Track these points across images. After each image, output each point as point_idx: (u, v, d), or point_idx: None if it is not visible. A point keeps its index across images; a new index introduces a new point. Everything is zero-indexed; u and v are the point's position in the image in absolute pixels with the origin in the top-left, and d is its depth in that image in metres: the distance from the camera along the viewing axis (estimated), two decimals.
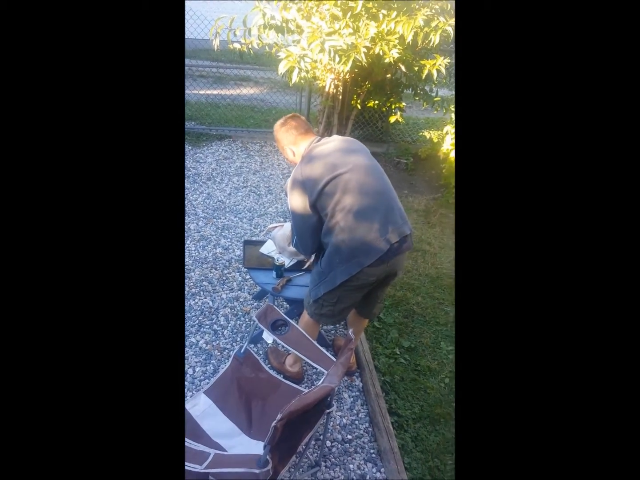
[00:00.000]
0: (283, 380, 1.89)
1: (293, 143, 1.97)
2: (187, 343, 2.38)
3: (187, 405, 1.70)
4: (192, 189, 4.02)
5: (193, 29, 6.01)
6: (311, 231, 1.87)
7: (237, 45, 3.77)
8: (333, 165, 1.79)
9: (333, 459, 1.89)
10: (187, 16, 6.13)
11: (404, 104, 4.65)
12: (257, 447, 1.58)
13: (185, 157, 4.65)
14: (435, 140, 4.54)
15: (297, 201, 1.84)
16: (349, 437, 2.00)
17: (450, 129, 3.95)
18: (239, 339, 2.43)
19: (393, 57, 3.21)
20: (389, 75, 4.04)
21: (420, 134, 5.35)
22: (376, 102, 4.46)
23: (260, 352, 2.36)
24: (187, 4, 6.64)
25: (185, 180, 4.15)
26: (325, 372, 1.64)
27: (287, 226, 2.36)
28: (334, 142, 1.91)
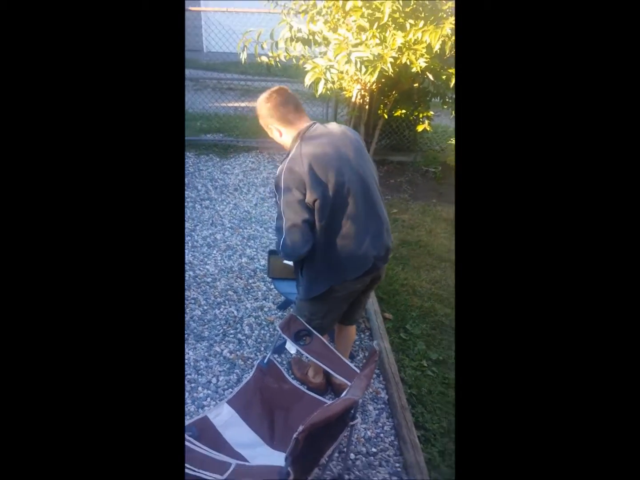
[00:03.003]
0: (306, 391, 1.87)
1: (279, 122, 1.72)
2: (211, 352, 2.38)
3: (210, 415, 1.70)
4: (220, 199, 4.07)
5: (222, 43, 6.13)
6: (305, 229, 1.64)
7: (264, 58, 3.82)
8: (337, 168, 1.64)
9: (357, 472, 1.85)
10: (215, 30, 6.28)
11: (431, 112, 4.62)
12: (279, 459, 1.55)
13: (214, 168, 4.73)
14: None
15: (294, 195, 1.62)
16: (374, 450, 1.95)
17: None
18: (262, 349, 2.43)
19: (420, 67, 3.19)
20: (416, 85, 4.01)
21: (449, 142, 5.29)
22: (403, 111, 4.45)
23: (284, 362, 2.35)
24: (215, 17, 6.80)
25: (213, 191, 4.22)
26: (349, 384, 1.62)
27: None
28: (336, 137, 1.71)
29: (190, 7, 6.93)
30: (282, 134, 1.75)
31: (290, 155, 1.66)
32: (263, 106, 1.73)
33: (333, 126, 1.77)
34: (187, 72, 7.03)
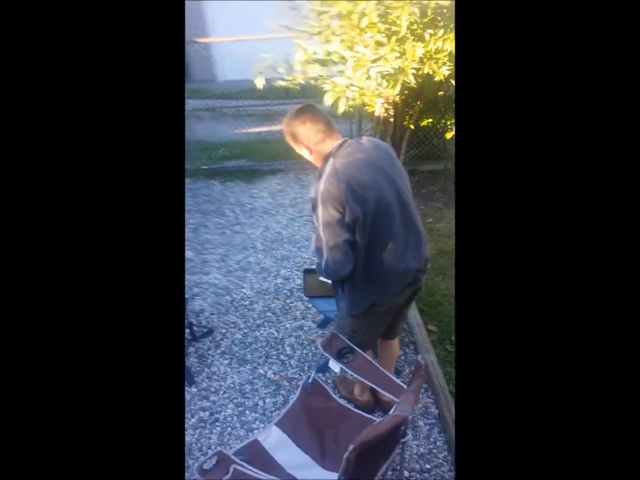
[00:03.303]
0: (353, 409, 1.85)
1: (308, 140, 1.66)
2: (255, 374, 2.39)
3: (260, 438, 1.69)
4: (249, 223, 4.13)
5: (236, 71, 6.28)
6: (347, 249, 1.60)
7: (282, 82, 3.88)
8: (375, 184, 1.60)
9: None
10: (228, 58, 6.43)
11: None
12: (331, 478, 1.54)
13: (241, 193, 4.80)
14: None
15: (332, 215, 1.56)
16: (427, 466, 1.90)
17: None
18: (306, 368, 2.42)
19: (444, 75, 3.19)
20: (441, 93, 4.01)
21: None
22: (430, 120, 4.43)
23: (329, 381, 2.33)
24: (226, 46, 6.94)
25: (242, 216, 4.28)
26: (396, 400, 1.59)
27: None
28: (369, 152, 1.67)
29: (196, 39, 7.11)
30: (312, 152, 1.69)
31: (325, 175, 1.60)
32: (290, 124, 1.67)
33: (365, 141, 1.72)
34: (203, 102, 7.25)
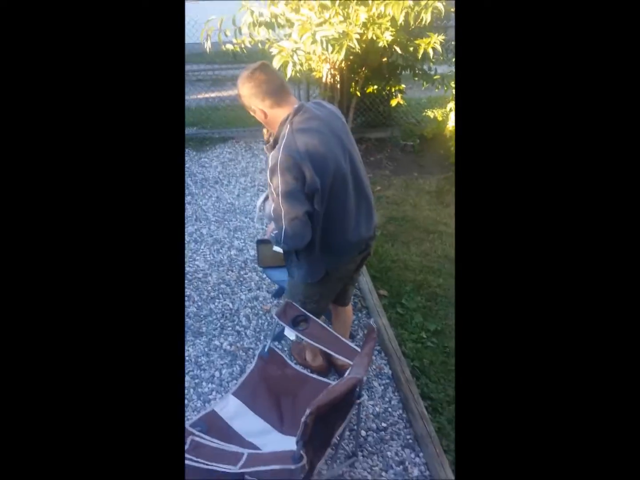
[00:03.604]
0: (310, 374, 1.90)
1: (263, 101, 1.59)
2: (211, 346, 2.39)
3: (217, 408, 1.71)
4: (201, 193, 4.03)
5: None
6: (306, 220, 1.57)
7: (229, 46, 3.76)
8: (333, 154, 1.59)
9: (370, 448, 1.89)
10: None
11: (403, 85, 4.60)
12: (290, 443, 1.57)
13: (191, 162, 4.66)
14: (440, 118, 4.48)
15: (292, 186, 1.52)
16: (384, 424, 1.99)
17: (453, 106, 3.90)
18: (262, 338, 2.44)
19: (387, 41, 3.18)
20: (385, 59, 4.00)
21: (424, 114, 5.28)
22: (375, 87, 4.42)
23: (286, 348, 2.36)
24: None
25: (194, 186, 4.17)
26: (350, 363, 1.64)
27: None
28: (326, 119, 1.64)
29: None
30: (268, 115, 1.61)
31: (283, 143, 1.54)
32: (245, 85, 1.58)
33: (320, 107, 1.68)
34: None
